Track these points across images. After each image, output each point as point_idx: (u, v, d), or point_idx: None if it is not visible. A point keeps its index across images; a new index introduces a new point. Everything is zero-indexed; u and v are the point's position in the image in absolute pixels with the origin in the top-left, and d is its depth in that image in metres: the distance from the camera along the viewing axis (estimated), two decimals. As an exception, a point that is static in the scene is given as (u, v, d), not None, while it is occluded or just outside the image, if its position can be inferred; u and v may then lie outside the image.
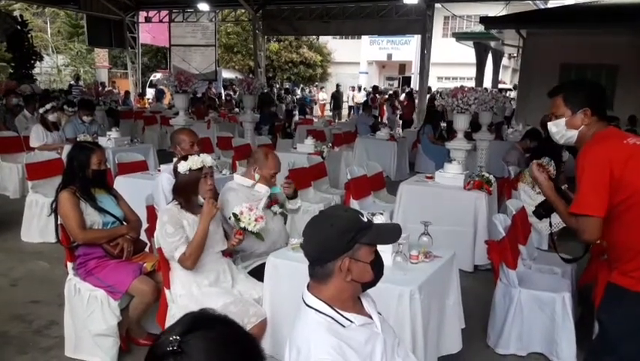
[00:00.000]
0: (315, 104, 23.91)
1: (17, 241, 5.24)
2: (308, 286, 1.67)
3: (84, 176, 3.16)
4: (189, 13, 19.39)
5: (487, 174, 4.95)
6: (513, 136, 9.55)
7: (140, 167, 5.34)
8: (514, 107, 14.03)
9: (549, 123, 2.34)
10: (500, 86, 19.43)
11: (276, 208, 3.40)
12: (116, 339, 3.06)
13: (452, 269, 2.99)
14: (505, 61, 22.22)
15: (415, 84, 22.56)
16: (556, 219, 2.63)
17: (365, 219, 1.64)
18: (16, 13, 19.04)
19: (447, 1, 16.40)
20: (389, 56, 30.42)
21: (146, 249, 3.42)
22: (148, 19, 20.06)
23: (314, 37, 27.89)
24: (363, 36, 28.02)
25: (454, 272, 3.02)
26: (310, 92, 25.81)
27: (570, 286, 3.42)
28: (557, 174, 4.85)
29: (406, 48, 28.65)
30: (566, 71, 11.86)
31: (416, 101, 16.21)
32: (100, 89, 11.84)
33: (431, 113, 10.17)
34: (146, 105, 17.42)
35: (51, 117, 6.79)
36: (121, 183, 4.63)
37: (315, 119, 15.23)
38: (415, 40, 22.88)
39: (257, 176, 3.35)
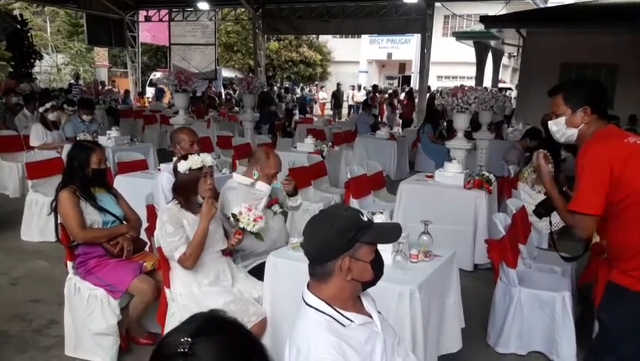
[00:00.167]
0: (315, 103, 23.91)
1: (17, 240, 5.23)
2: (308, 286, 1.67)
3: (84, 175, 3.16)
4: (189, 12, 19.39)
5: (487, 173, 4.95)
6: (513, 135, 9.55)
7: (139, 166, 5.33)
8: (514, 106, 14.03)
9: (549, 122, 2.35)
10: (500, 85, 19.42)
11: (276, 208, 3.40)
12: (116, 338, 3.06)
13: (452, 268, 2.99)
14: (505, 60, 22.21)
15: (414, 83, 22.54)
16: (556, 218, 2.63)
17: (365, 219, 1.64)
18: (16, 12, 19.02)
19: (447, 0, 16.40)
20: (389, 55, 30.41)
21: (146, 248, 3.42)
22: (148, 18, 20.06)
23: (314, 36, 27.89)
24: (363, 35, 28.00)
25: (454, 271, 3.02)
26: (310, 91, 25.81)
27: (570, 285, 3.42)
28: (557, 174, 4.85)
29: (405, 47, 28.64)
30: (566, 70, 11.85)
31: (416, 100, 16.21)
32: (100, 88, 11.82)
33: (431, 112, 10.17)
34: (146, 104, 17.41)
35: (51, 116, 6.79)
36: (121, 182, 4.63)
37: (315, 119, 15.23)
38: (415, 39, 22.88)
39: (256, 174, 3.35)
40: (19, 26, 15.54)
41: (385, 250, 2.34)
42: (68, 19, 27.42)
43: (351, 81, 26.45)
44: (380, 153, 8.55)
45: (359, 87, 23.97)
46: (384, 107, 18.03)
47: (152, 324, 3.19)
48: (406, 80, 28.40)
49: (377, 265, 1.66)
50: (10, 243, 5.19)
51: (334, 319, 1.59)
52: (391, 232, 1.72)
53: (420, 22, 15.34)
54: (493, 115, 7.61)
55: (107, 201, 3.25)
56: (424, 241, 2.94)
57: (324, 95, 24.48)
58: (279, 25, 18.32)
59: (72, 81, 20.03)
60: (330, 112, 21.67)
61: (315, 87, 26.81)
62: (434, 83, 21.86)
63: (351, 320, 1.61)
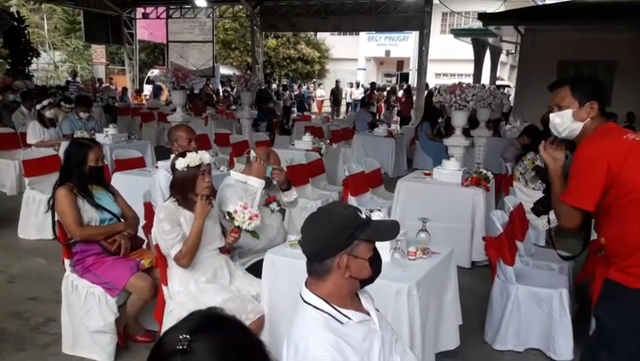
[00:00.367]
0: (313, 101, 23.89)
1: (14, 237, 5.22)
2: (306, 283, 1.67)
3: (81, 173, 3.15)
4: (187, 10, 19.32)
5: (484, 171, 4.96)
6: (511, 132, 9.56)
7: (137, 163, 5.33)
8: (512, 103, 14.04)
9: (552, 114, 2.26)
10: (498, 82, 19.40)
11: (274, 205, 3.40)
12: (114, 336, 3.06)
13: (450, 266, 3.00)
14: (503, 57, 22.20)
15: (413, 81, 22.54)
16: (554, 216, 2.62)
17: (363, 216, 1.64)
18: (13, 10, 18.94)
19: (445, -2, 16.38)
20: (387, 53, 30.40)
21: (144, 246, 3.42)
22: (145, 16, 19.97)
23: (312, 33, 27.83)
24: (361, 32, 27.97)
25: (452, 269, 3.02)
26: (308, 88, 25.78)
27: (567, 282, 3.42)
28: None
29: (404, 44, 28.63)
30: (564, 67, 11.86)
31: (414, 97, 16.20)
32: (97, 85, 11.80)
33: (429, 109, 10.17)
34: (144, 102, 17.37)
35: (48, 114, 6.77)
36: (118, 180, 4.62)
37: (313, 116, 15.21)
38: (413, 36, 22.88)
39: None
40: (15, 23, 15.46)
41: (383, 248, 2.34)
42: (65, 16, 27.32)
43: (349, 78, 26.43)
44: (378, 151, 8.55)
45: (357, 84, 23.96)
46: (382, 104, 18.02)
47: (150, 322, 3.19)
48: (404, 77, 28.41)
49: (375, 262, 1.66)
50: (7, 240, 5.18)
51: (332, 316, 1.59)
52: (389, 230, 1.72)
53: (418, 20, 15.31)
54: (491, 112, 7.62)
55: (105, 198, 3.24)
56: (422, 239, 2.95)
57: (322, 92, 24.45)
58: (277, 23, 18.27)
59: (69, 78, 20.01)
60: (329, 109, 21.65)
61: (312, 85, 26.78)
62: (432, 81, 21.87)
63: (349, 318, 1.61)
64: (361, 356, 1.57)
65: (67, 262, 3.19)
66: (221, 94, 19.27)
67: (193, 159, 2.91)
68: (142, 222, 3.44)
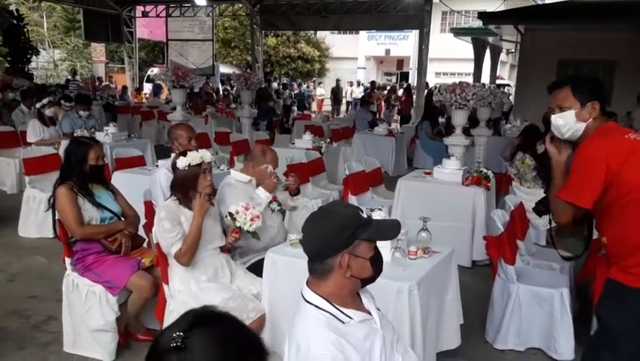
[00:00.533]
0: (313, 99, 23.87)
1: (15, 236, 5.22)
2: (307, 282, 1.66)
3: (81, 171, 3.15)
4: (186, 8, 19.31)
5: (485, 170, 4.95)
6: (511, 132, 9.54)
7: (137, 162, 5.33)
8: (512, 102, 14.03)
9: (554, 116, 2.25)
10: (498, 81, 19.39)
11: (274, 205, 3.39)
12: (115, 334, 3.06)
13: (451, 265, 3.00)
14: (503, 56, 22.18)
15: (412, 79, 22.53)
16: (555, 216, 2.62)
17: (364, 216, 1.63)
18: (12, 8, 18.91)
19: (445, -3, 16.36)
20: (387, 52, 30.39)
21: (144, 244, 3.41)
22: (145, 14, 19.95)
23: (312, 32, 27.81)
24: (361, 31, 27.95)
25: (453, 268, 3.02)
26: (308, 87, 25.75)
27: (568, 281, 3.42)
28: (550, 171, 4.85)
29: (404, 43, 28.63)
30: (564, 66, 11.85)
31: (414, 96, 16.19)
32: (97, 83, 11.81)
33: (429, 108, 10.15)
34: (144, 100, 17.36)
35: (48, 112, 6.76)
36: (118, 179, 4.62)
37: (313, 115, 15.20)
38: (413, 35, 22.88)
39: (252, 180, 3.34)
40: (15, 22, 15.44)
41: (384, 247, 2.34)
42: (65, 14, 27.29)
43: (349, 77, 26.41)
44: (378, 150, 8.55)
45: (357, 83, 23.94)
46: (382, 103, 17.99)
47: (151, 320, 3.19)
48: (404, 76, 28.41)
49: (376, 261, 1.66)
50: (7, 239, 5.17)
51: (333, 316, 1.59)
52: (390, 229, 1.72)
53: (418, 19, 15.30)
54: (491, 111, 7.61)
55: (105, 197, 3.24)
56: (423, 238, 2.95)
57: (322, 91, 24.42)
58: (277, 21, 18.26)
59: (69, 77, 19.97)
60: (329, 108, 21.63)
61: (312, 83, 26.75)
62: (432, 80, 21.85)
63: (350, 317, 1.61)
64: (362, 356, 1.57)
65: (67, 260, 3.19)
66: (221, 93, 19.26)
67: (194, 157, 2.91)
68: (142, 220, 3.44)
